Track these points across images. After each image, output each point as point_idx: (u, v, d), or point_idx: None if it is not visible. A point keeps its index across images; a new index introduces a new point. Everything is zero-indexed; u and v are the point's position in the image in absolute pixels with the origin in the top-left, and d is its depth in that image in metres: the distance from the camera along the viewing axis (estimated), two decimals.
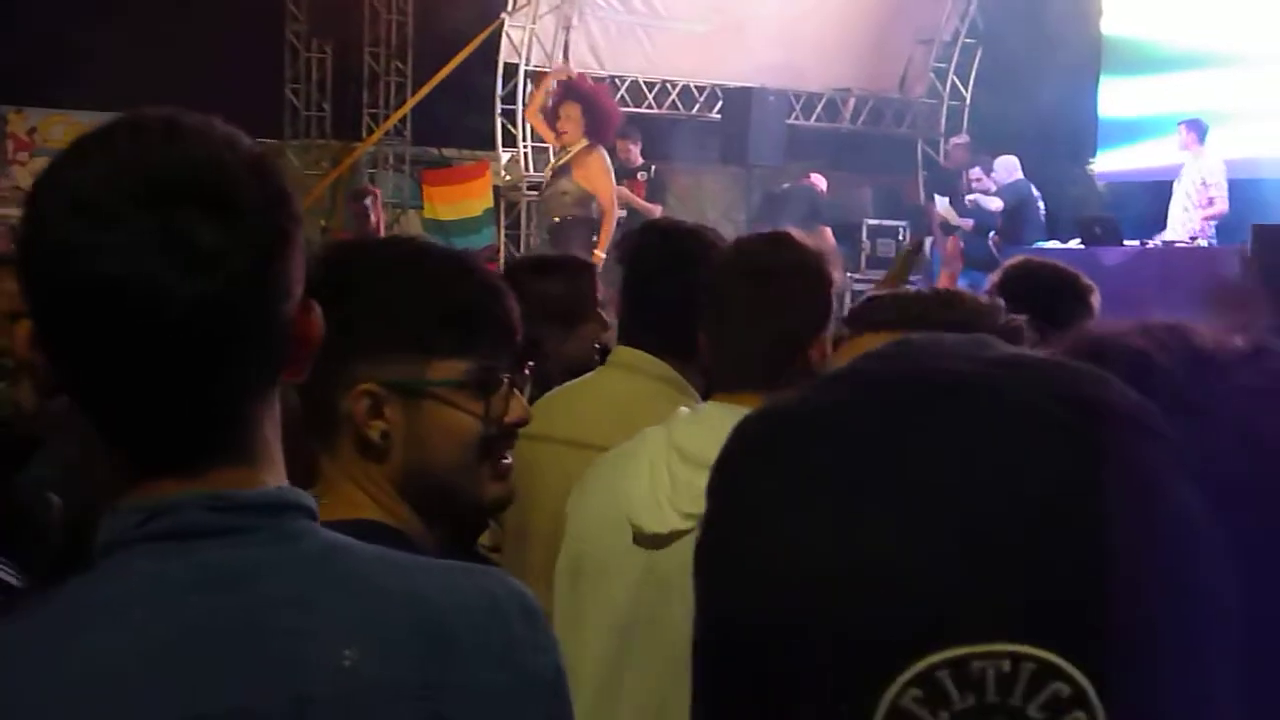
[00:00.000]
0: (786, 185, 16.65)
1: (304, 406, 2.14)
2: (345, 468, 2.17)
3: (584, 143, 12.12)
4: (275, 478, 1.55)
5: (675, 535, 2.90)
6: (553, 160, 12.40)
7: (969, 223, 15.69)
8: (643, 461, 3.01)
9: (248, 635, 1.46)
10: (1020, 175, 15.54)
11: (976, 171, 15.86)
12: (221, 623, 1.45)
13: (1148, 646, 0.84)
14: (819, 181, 16.57)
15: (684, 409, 3.12)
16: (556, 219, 12.16)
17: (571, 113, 12.22)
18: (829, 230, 15.63)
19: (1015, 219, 15.29)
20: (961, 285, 11.59)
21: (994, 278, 4.53)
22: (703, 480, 0.96)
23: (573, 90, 12.82)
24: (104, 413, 1.50)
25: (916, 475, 0.86)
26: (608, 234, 11.87)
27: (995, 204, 15.52)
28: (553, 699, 1.64)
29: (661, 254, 3.65)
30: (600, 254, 11.15)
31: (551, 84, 13.85)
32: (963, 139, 17.52)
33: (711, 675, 0.94)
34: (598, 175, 12.14)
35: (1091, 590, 0.83)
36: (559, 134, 12.37)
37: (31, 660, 1.42)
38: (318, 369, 1.77)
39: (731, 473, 0.95)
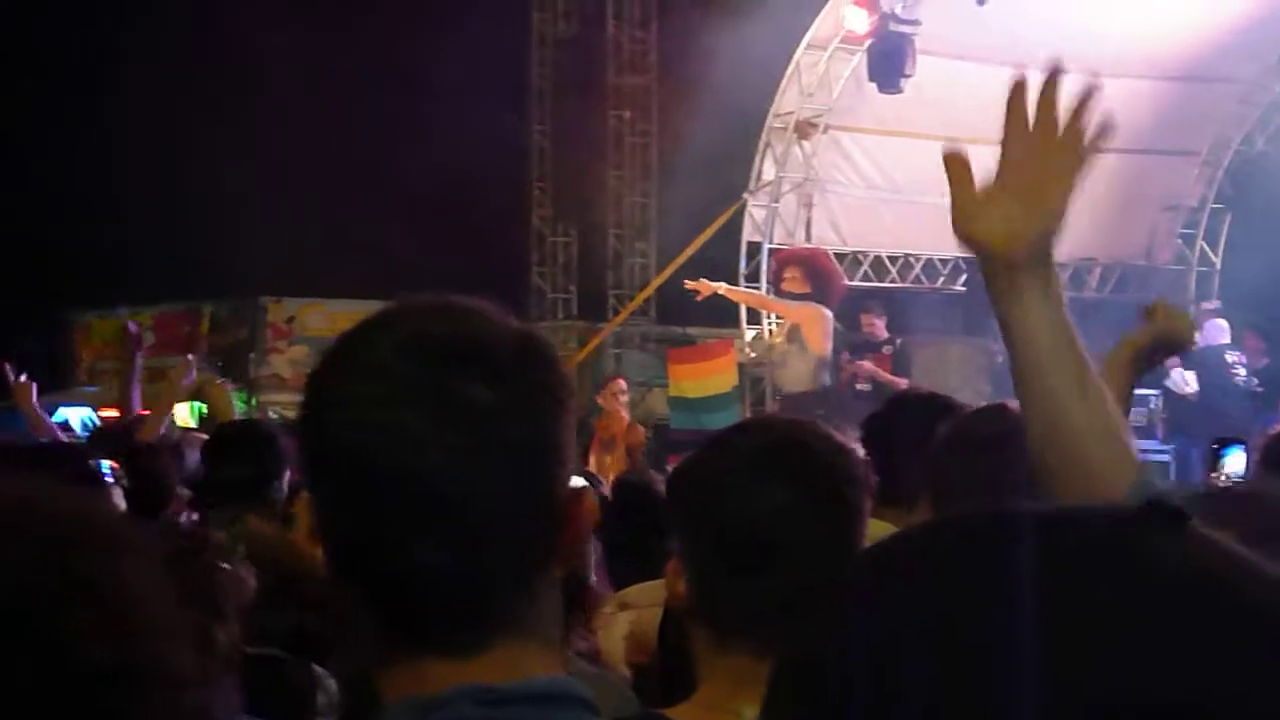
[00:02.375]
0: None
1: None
2: None
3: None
4: (548, 661, 1.51)
5: None
6: (777, 328, 12.64)
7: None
8: None
9: None
10: (1223, 340, 15.07)
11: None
12: None
13: None
14: None
15: None
16: (792, 390, 12.29)
17: (795, 274, 12.42)
18: None
19: (1203, 387, 14.81)
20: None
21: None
22: None
23: (790, 256, 13.11)
24: (370, 586, 1.49)
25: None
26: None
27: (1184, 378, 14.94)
28: None
29: (908, 428, 3.64)
30: None
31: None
32: (1213, 304, 17.13)
33: None
34: (821, 335, 12.33)
35: None
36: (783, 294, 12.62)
37: None
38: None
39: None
